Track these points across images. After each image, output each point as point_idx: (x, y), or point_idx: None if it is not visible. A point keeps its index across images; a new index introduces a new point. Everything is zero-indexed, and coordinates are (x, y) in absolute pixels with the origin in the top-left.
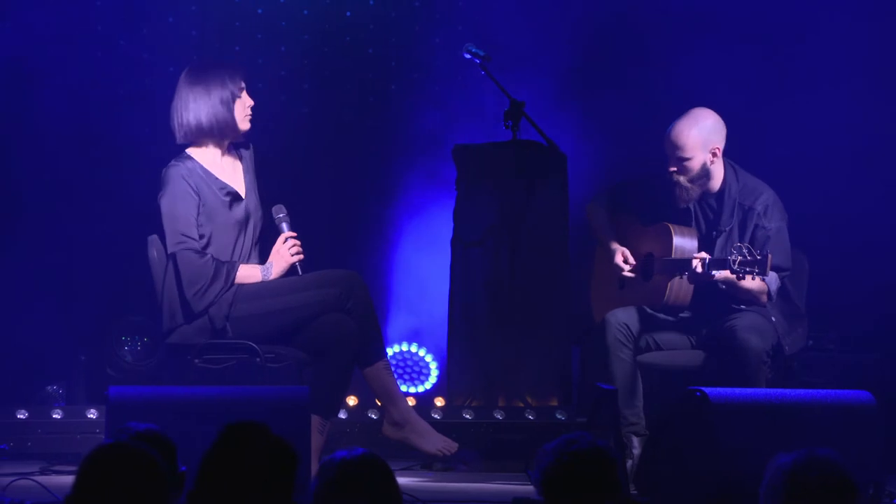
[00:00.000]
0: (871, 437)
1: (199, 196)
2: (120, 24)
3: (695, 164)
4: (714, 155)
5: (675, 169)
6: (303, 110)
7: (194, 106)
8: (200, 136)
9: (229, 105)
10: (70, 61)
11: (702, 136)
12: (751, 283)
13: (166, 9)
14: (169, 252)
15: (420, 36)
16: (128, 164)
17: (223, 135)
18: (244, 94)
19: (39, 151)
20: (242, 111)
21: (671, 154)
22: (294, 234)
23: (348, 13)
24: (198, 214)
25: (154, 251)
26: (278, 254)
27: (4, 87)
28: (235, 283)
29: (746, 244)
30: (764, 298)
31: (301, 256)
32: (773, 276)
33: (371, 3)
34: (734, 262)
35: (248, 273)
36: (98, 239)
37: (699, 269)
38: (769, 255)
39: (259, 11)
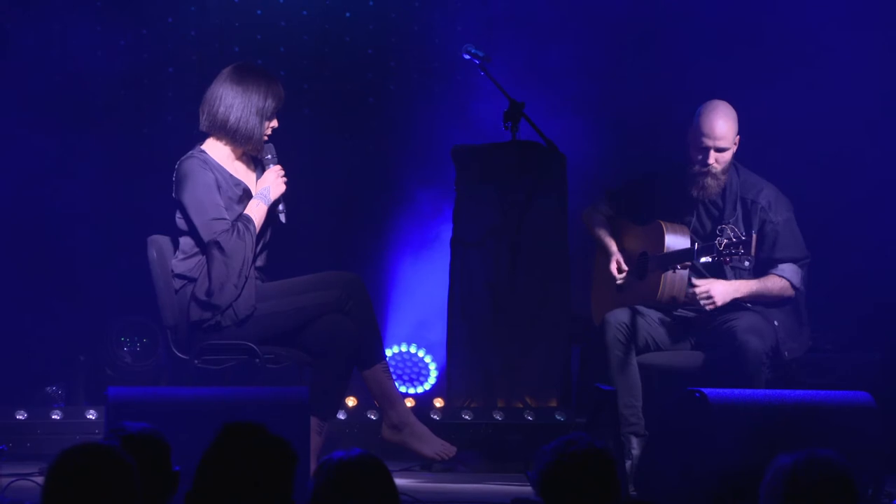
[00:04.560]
0: (870, 437)
1: (217, 183)
2: (120, 24)
3: (729, 155)
4: (736, 144)
5: (713, 161)
6: (303, 110)
7: (229, 103)
8: (223, 132)
9: (262, 118)
10: (70, 61)
11: (735, 126)
12: (767, 284)
13: (166, 9)
14: (207, 241)
15: (420, 36)
16: (128, 163)
17: (244, 142)
18: (275, 117)
19: (38, 150)
20: (266, 129)
21: (708, 145)
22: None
23: (348, 13)
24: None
25: (154, 251)
26: (274, 180)
27: (4, 87)
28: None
29: (731, 225)
30: (790, 293)
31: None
32: (793, 270)
33: (371, 3)
34: (720, 244)
35: (257, 214)
36: (98, 239)
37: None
38: (754, 236)
39: (258, 12)
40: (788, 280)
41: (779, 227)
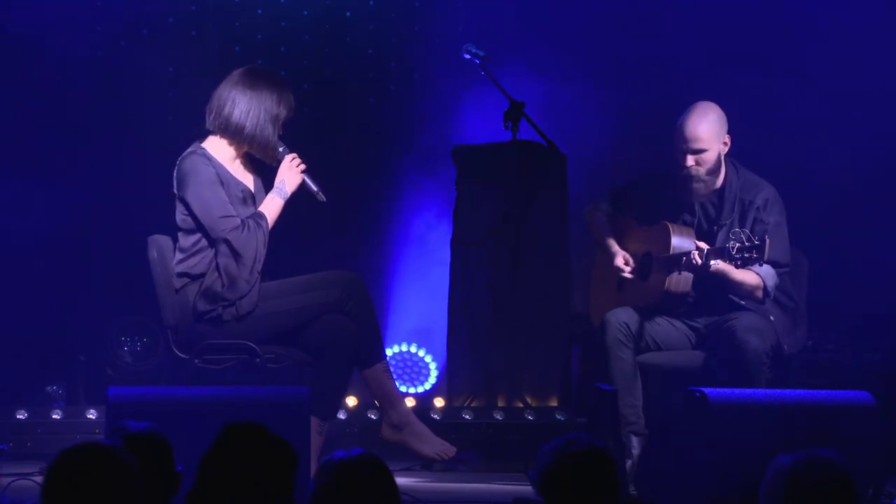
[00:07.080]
0: (871, 437)
1: (220, 179)
2: (120, 24)
3: (711, 156)
4: (725, 145)
5: (693, 163)
6: (303, 110)
7: (244, 108)
8: (237, 138)
9: (275, 127)
10: (70, 62)
11: (714, 127)
12: (744, 275)
13: (166, 9)
14: (216, 238)
15: (420, 36)
16: (128, 164)
17: (259, 150)
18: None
19: (38, 151)
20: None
21: (685, 148)
22: (294, 154)
23: (348, 13)
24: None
25: (154, 251)
26: (288, 171)
27: (4, 88)
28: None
29: (745, 230)
30: (759, 294)
31: (304, 166)
32: (769, 272)
33: (371, 3)
34: (732, 248)
35: (271, 209)
36: (98, 239)
37: (697, 260)
38: (767, 241)
39: (259, 12)
40: (763, 281)
41: (768, 227)
